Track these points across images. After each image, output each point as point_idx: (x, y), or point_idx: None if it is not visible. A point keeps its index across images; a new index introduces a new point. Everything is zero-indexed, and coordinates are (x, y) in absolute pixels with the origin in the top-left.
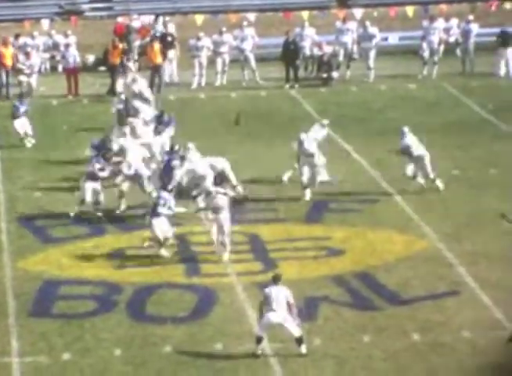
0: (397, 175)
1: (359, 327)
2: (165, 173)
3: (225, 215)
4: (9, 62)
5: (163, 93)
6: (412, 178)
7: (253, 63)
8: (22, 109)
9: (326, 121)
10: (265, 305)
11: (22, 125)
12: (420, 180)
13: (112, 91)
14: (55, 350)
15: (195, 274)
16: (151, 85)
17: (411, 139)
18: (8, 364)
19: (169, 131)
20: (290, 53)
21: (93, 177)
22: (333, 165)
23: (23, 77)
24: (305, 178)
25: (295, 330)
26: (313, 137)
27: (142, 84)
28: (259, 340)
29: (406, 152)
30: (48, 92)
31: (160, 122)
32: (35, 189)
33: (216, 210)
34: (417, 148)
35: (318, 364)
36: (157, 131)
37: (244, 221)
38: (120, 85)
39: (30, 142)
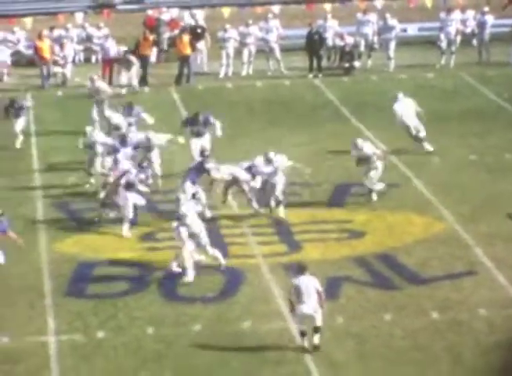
0: (415, 160)
1: (380, 306)
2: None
3: None
4: (46, 54)
5: (192, 83)
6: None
7: (277, 53)
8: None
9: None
10: (295, 296)
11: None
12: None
13: (143, 81)
14: (90, 328)
15: (223, 256)
16: (180, 76)
17: (401, 106)
18: (45, 343)
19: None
20: (314, 44)
21: (130, 187)
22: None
23: (57, 68)
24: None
25: (318, 319)
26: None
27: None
28: (303, 333)
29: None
30: (83, 82)
31: (194, 123)
32: (70, 174)
33: None
34: (407, 116)
35: (340, 342)
36: (195, 133)
37: (269, 205)
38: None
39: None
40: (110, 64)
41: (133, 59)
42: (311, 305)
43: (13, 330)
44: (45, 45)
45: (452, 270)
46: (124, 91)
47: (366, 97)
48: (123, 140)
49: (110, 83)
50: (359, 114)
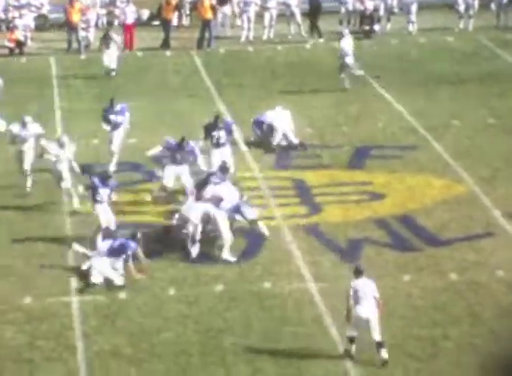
0: (435, 123)
1: (400, 266)
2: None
3: None
4: (75, 19)
5: (212, 47)
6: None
7: (298, 17)
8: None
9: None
10: (352, 299)
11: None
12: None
13: (166, 44)
14: (113, 289)
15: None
16: (201, 39)
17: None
18: (68, 303)
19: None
20: (313, 9)
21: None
22: (376, 116)
23: (80, 32)
24: None
25: (376, 333)
26: None
27: None
28: (352, 340)
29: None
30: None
31: (213, 128)
32: (94, 137)
33: None
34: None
35: None
36: (215, 143)
37: (291, 167)
38: (105, 59)
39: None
40: (130, 29)
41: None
42: (368, 310)
43: (37, 291)
44: (76, 10)
45: (470, 232)
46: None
47: (386, 60)
48: None
49: (131, 48)
50: (380, 77)
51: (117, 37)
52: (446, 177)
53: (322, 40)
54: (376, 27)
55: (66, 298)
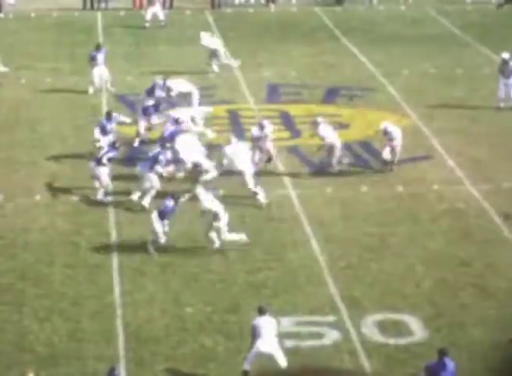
0: (389, 70)
1: (359, 180)
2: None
3: None
4: None
5: (222, 9)
6: None
7: None
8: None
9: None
10: (254, 336)
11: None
12: None
13: (169, 5)
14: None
15: (241, 139)
16: (213, 2)
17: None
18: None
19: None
20: None
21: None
22: (344, 64)
23: None
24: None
25: (282, 362)
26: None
27: None
28: (245, 373)
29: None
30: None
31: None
32: (126, 74)
33: None
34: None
35: (328, 206)
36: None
37: (278, 101)
38: (148, 13)
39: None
40: None
41: None
42: (270, 344)
43: (83, 191)
44: None
45: (414, 155)
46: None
47: (354, 22)
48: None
49: (142, 7)
50: (348, 35)
51: None
52: (396, 113)
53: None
54: None
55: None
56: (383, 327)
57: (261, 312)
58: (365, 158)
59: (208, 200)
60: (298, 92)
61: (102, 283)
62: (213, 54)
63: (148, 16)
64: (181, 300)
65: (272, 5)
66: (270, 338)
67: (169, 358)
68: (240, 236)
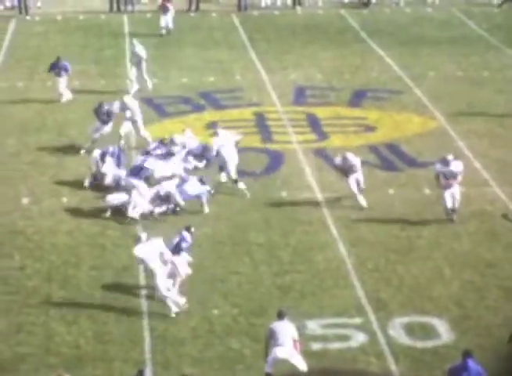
0: (417, 73)
1: (386, 182)
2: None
3: None
4: None
5: (248, 11)
6: None
7: None
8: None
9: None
10: (271, 340)
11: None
12: None
13: (195, 7)
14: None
15: (269, 141)
16: (239, 5)
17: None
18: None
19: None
20: None
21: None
22: (371, 67)
23: None
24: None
25: (301, 365)
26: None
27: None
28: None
29: None
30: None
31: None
32: (153, 76)
33: None
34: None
35: (354, 207)
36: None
37: (304, 104)
38: (162, 21)
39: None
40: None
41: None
42: (287, 350)
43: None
44: None
45: (440, 157)
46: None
47: (380, 25)
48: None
49: (197, 9)
50: (374, 37)
51: (171, 6)
52: (423, 115)
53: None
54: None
55: None
56: (410, 329)
57: (280, 316)
58: (391, 161)
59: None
60: (325, 94)
61: (128, 285)
62: (139, 64)
63: (162, 23)
64: (207, 302)
65: (298, 8)
66: (287, 343)
67: (196, 361)
68: (182, 301)
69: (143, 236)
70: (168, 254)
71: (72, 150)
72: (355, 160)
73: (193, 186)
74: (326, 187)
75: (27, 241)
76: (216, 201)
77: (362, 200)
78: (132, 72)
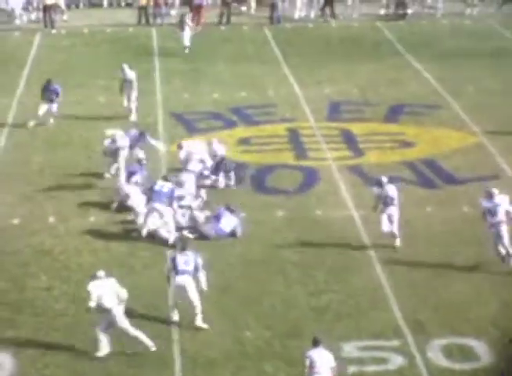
0: (455, 87)
1: (423, 200)
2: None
3: None
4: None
5: (281, 24)
6: None
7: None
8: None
9: None
10: (309, 369)
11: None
12: None
13: (226, 20)
14: None
15: (303, 158)
16: (271, 18)
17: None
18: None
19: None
20: None
21: None
22: (408, 81)
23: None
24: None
25: None
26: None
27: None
28: None
29: None
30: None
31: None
32: (183, 91)
33: None
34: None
35: None
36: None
37: (339, 119)
38: (185, 39)
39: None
40: (199, 10)
41: (189, 22)
42: None
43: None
44: None
45: (480, 174)
46: None
47: (417, 37)
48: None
49: (198, 24)
50: (411, 50)
51: (190, 22)
52: (462, 130)
53: (334, 20)
54: (409, 11)
55: None
56: (448, 351)
57: (316, 343)
58: (429, 177)
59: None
60: (360, 109)
61: (158, 306)
62: (130, 88)
63: (186, 42)
64: (240, 324)
65: (332, 20)
66: (325, 372)
67: None
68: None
69: (100, 273)
70: (124, 294)
71: (99, 167)
72: (392, 191)
73: (228, 221)
74: (362, 205)
75: (53, 261)
76: (249, 220)
77: (395, 239)
78: (125, 100)
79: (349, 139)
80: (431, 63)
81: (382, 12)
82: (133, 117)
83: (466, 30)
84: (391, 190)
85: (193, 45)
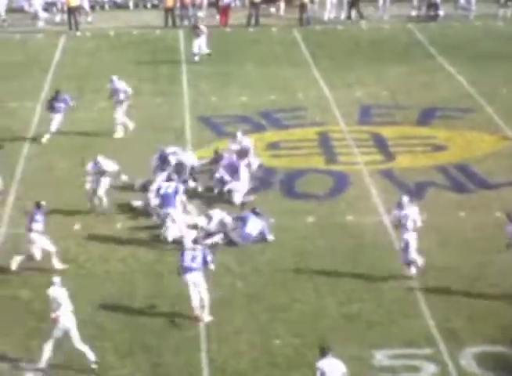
0: (489, 90)
1: (456, 205)
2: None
3: None
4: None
5: (310, 26)
6: None
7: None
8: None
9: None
10: None
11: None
12: None
13: (255, 22)
14: None
15: (333, 162)
16: (301, 19)
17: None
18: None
19: None
20: None
21: None
22: (440, 84)
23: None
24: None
25: None
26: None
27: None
28: None
29: None
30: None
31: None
32: (211, 95)
33: None
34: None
35: (424, 233)
36: None
37: (370, 123)
38: (195, 46)
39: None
40: (226, 11)
41: (203, 28)
42: None
43: None
44: None
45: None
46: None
47: (449, 39)
48: None
49: (226, 24)
50: (443, 53)
51: (204, 28)
52: (495, 134)
53: (363, 21)
54: (441, 13)
55: None
56: (482, 359)
57: (324, 353)
58: (462, 182)
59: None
60: (391, 113)
61: (185, 314)
62: (119, 100)
63: (195, 49)
64: (269, 332)
65: (363, 22)
66: None
67: None
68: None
69: (56, 280)
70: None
71: (125, 172)
72: (414, 213)
73: (253, 224)
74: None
75: (79, 268)
76: (278, 226)
77: (411, 268)
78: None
79: (380, 143)
80: (464, 66)
81: (413, 13)
82: (118, 135)
83: (500, 32)
84: (413, 213)
85: (222, 46)
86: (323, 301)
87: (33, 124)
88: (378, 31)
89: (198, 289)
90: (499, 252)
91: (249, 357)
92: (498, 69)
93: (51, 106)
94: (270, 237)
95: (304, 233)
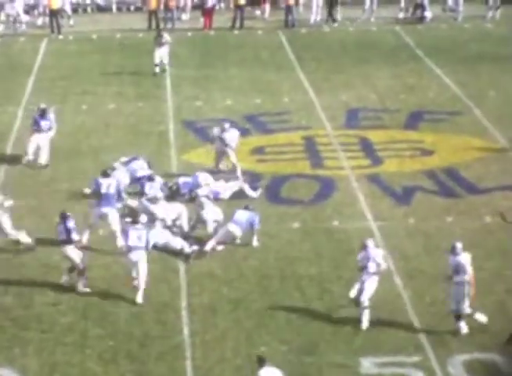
0: (477, 92)
1: (444, 210)
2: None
3: None
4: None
5: (296, 28)
6: None
7: (368, 4)
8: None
9: None
10: None
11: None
12: None
13: (240, 24)
14: None
15: (319, 167)
16: (286, 22)
17: None
18: None
19: None
20: None
21: None
22: (428, 86)
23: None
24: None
25: None
26: None
27: None
28: None
29: None
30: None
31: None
32: (195, 99)
33: None
34: None
35: (411, 238)
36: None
37: (357, 127)
38: (156, 56)
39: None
40: (211, 13)
41: (166, 37)
42: None
43: None
44: None
45: (502, 183)
46: None
47: (437, 41)
48: None
49: (210, 27)
50: (431, 55)
51: (168, 37)
52: (484, 138)
53: (336, 24)
54: (429, 14)
55: None
56: (471, 367)
57: (261, 362)
58: (450, 186)
59: None
60: (379, 116)
61: (170, 322)
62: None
63: (156, 60)
64: (254, 339)
65: (333, 24)
66: None
67: None
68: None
69: None
70: None
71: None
72: (466, 260)
73: (242, 214)
74: (381, 215)
75: (61, 275)
76: (263, 232)
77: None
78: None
79: (367, 147)
80: (452, 68)
81: (401, 15)
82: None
83: (488, 34)
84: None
85: (205, 49)
86: (310, 308)
87: (15, 129)
88: (365, 34)
89: (138, 267)
90: (488, 257)
91: (234, 364)
92: (486, 71)
93: (37, 124)
94: (255, 243)
95: (289, 239)
